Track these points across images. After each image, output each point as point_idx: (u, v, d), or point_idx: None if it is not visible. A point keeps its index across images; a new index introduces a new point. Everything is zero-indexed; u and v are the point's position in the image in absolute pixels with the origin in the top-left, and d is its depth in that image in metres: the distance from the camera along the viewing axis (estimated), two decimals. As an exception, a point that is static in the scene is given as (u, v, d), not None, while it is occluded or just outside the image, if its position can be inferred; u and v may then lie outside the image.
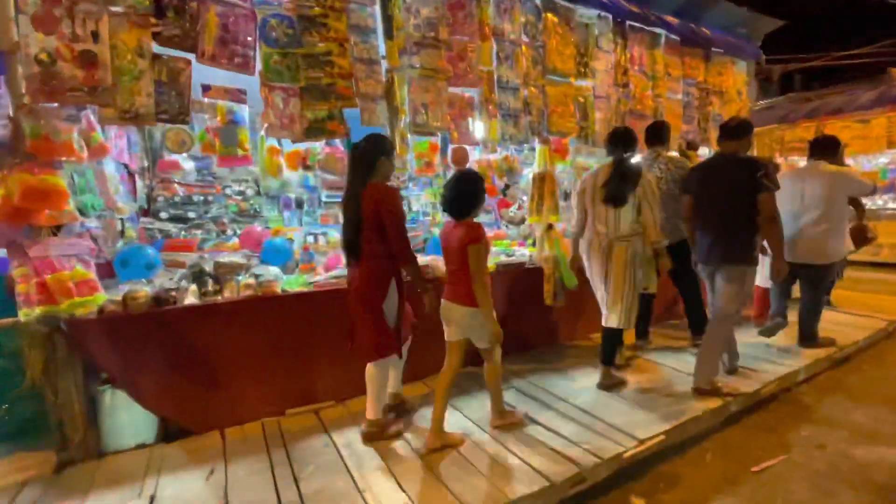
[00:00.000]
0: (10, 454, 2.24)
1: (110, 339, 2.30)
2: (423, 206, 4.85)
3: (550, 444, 2.31)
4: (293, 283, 2.82)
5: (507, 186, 5.03)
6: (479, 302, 2.19)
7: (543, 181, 3.52)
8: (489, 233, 3.44)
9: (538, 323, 3.67)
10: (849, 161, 5.93)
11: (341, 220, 2.40)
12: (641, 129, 3.54)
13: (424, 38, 3.08)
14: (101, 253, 2.77)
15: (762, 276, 3.17)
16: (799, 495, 2.12)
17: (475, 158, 4.63)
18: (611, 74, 3.99)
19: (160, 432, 2.48)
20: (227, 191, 4.03)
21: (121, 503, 1.99)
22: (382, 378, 2.39)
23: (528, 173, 4.03)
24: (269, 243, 3.24)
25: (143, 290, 2.41)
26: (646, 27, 4.17)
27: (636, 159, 3.11)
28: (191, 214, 3.81)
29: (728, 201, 2.72)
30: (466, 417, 2.61)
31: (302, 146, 3.75)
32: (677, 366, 3.27)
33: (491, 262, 3.29)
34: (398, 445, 2.36)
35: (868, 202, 5.99)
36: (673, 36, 4.37)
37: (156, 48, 2.35)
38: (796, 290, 3.62)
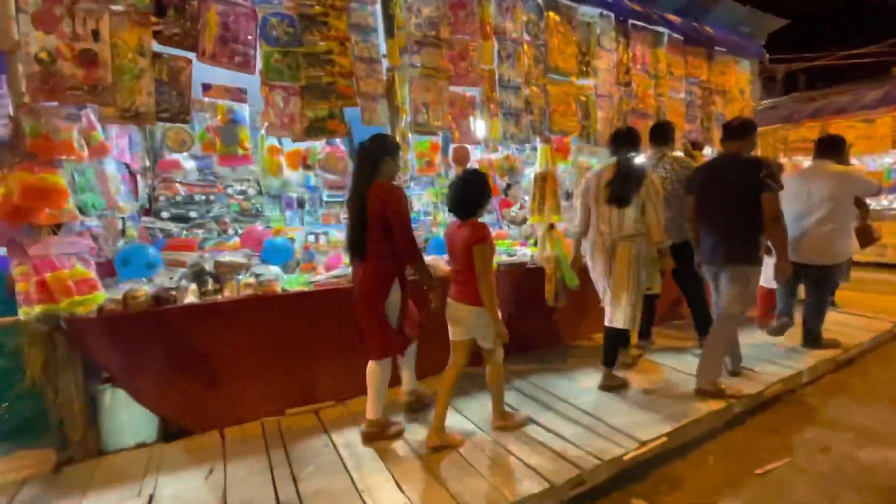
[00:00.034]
0: (9, 452, 2.23)
1: (110, 338, 2.30)
2: (424, 205, 4.84)
3: (551, 445, 2.30)
4: (294, 283, 2.81)
5: (508, 186, 5.02)
6: (485, 302, 2.19)
7: (545, 181, 3.50)
8: (491, 233, 3.43)
9: (539, 323, 3.65)
10: (853, 161, 5.89)
11: (344, 219, 2.39)
12: (643, 128, 3.53)
13: (425, 36, 3.08)
14: (102, 252, 2.77)
15: (765, 276, 3.15)
16: (802, 498, 2.10)
17: (476, 158, 4.63)
18: (613, 73, 3.97)
19: (160, 432, 2.48)
20: (229, 190, 4.04)
21: (120, 502, 1.99)
22: (384, 377, 2.38)
23: (530, 173, 4.02)
24: (270, 242, 3.23)
25: (143, 289, 2.42)
26: (648, 26, 4.15)
27: (640, 159, 3.10)
28: (192, 214, 3.82)
29: (731, 201, 2.70)
30: (467, 418, 2.60)
31: (302, 145, 3.76)
32: (680, 367, 3.25)
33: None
34: (398, 446, 2.35)
35: (873, 202, 5.96)
36: (675, 35, 4.34)
37: (156, 47, 2.36)
38: (802, 291, 3.59)
